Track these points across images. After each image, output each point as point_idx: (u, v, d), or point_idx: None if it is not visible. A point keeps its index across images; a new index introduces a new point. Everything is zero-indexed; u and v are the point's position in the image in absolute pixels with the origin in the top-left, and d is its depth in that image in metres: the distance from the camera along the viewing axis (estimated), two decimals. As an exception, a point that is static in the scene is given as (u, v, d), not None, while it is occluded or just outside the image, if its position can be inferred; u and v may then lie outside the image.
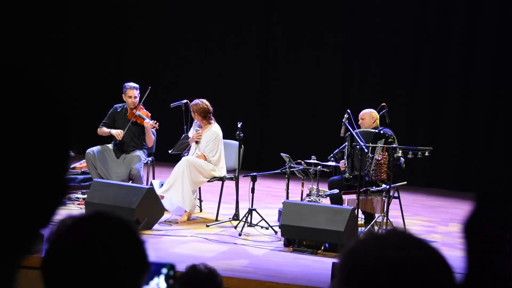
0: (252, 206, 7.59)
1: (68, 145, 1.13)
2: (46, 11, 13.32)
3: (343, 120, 7.64)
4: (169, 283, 1.69)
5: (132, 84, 8.59)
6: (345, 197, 7.50)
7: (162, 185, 8.29)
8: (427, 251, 1.24)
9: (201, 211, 8.43)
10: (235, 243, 6.97)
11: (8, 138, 1.05)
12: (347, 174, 7.63)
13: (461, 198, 11.05)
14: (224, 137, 8.32)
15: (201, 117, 8.15)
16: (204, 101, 8.17)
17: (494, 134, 11.95)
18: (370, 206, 7.42)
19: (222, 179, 8.13)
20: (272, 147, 12.05)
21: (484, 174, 11.82)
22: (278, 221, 7.44)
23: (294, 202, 7.32)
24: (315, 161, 7.74)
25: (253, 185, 7.58)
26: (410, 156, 7.50)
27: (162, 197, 7.81)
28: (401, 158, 7.71)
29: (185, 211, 7.82)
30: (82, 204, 7.94)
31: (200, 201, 8.50)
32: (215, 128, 8.17)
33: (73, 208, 7.93)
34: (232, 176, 8.18)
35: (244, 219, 7.48)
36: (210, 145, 8.10)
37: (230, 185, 8.24)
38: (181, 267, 2.66)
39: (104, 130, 8.60)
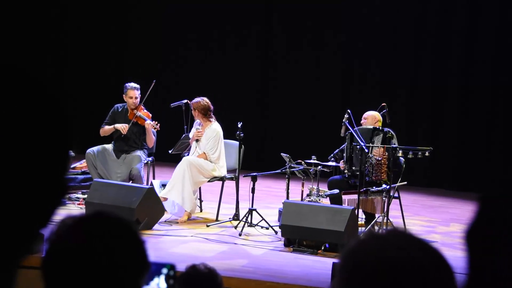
0: (252, 206, 7.59)
1: (68, 145, 1.13)
2: (46, 11, 13.32)
3: (343, 120, 7.64)
4: (169, 283, 1.69)
5: (133, 84, 8.58)
6: (345, 197, 7.50)
7: (162, 185, 8.29)
8: (427, 251, 1.24)
9: (201, 211, 8.43)
10: (235, 243, 6.97)
11: (8, 138, 1.05)
12: (346, 172, 7.64)
13: (461, 198, 11.06)
14: (224, 137, 8.32)
15: (202, 114, 8.15)
16: (205, 99, 8.18)
17: (494, 134, 11.95)
18: (371, 206, 7.42)
19: (222, 179, 8.13)
20: (272, 147, 12.05)
21: (484, 174, 11.82)
22: (278, 221, 7.44)
23: (294, 202, 7.32)
24: (315, 161, 7.74)
25: (254, 185, 7.58)
26: (410, 156, 7.51)
27: (166, 199, 7.81)
28: (401, 158, 7.72)
29: (185, 211, 7.82)
30: (82, 204, 7.94)
31: (201, 201, 8.51)
32: (215, 126, 8.18)
33: (73, 208, 7.93)
34: (233, 176, 8.19)
35: (244, 219, 7.48)
36: (211, 143, 8.10)
37: (230, 185, 8.24)
38: (181, 267, 2.66)
39: (106, 128, 8.59)
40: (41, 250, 1.24)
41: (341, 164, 7.77)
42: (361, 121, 8.01)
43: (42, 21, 13.25)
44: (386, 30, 12.40)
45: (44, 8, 13.29)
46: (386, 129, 7.72)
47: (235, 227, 7.52)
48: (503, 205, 1.39)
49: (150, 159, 8.72)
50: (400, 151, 7.47)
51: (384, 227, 7.17)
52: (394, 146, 7.44)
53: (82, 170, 8.95)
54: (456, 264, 1.33)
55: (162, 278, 1.69)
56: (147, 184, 8.37)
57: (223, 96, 12.40)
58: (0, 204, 1.05)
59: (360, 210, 7.42)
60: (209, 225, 7.70)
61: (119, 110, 8.68)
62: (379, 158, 7.37)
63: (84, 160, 8.58)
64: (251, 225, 7.55)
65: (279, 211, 7.56)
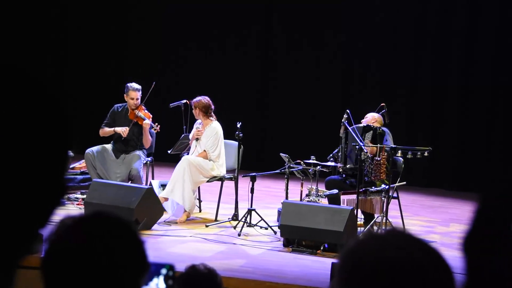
0: (251, 206, 7.59)
1: (68, 145, 1.13)
2: (46, 10, 13.32)
3: (342, 120, 7.65)
4: (168, 284, 1.69)
5: (134, 85, 8.56)
6: (343, 197, 7.50)
7: (161, 185, 8.29)
8: (427, 251, 1.24)
9: (200, 211, 8.43)
10: (235, 243, 6.97)
11: (8, 137, 1.05)
12: (342, 172, 7.66)
13: (461, 198, 11.05)
14: (224, 137, 8.32)
15: (203, 113, 8.16)
16: (206, 97, 8.20)
17: (494, 134, 11.95)
18: (370, 206, 7.42)
19: (221, 179, 8.13)
20: (272, 147, 12.05)
21: (484, 174, 11.82)
22: (278, 221, 7.44)
23: (293, 202, 7.31)
24: (315, 161, 7.74)
25: (253, 185, 7.57)
26: (409, 156, 7.51)
27: (167, 199, 7.82)
28: (400, 158, 7.72)
29: (184, 211, 7.82)
30: (81, 204, 7.94)
31: (200, 201, 8.50)
32: (215, 125, 8.19)
33: (72, 208, 7.93)
34: (232, 176, 8.19)
35: (243, 219, 7.48)
36: (211, 141, 8.10)
37: (229, 185, 8.24)
38: (180, 267, 2.66)
39: (106, 130, 8.59)
40: (40, 250, 1.24)
41: (339, 165, 7.77)
42: (361, 120, 8.02)
43: (42, 21, 13.24)
44: (386, 30, 12.40)
45: (44, 8, 13.28)
46: (377, 126, 7.72)
47: (234, 227, 7.51)
48: (502, 205, 1.39)
49: (149, 159, 8.72)
50: (399, 151, 7.47)
51: (383, 227, 7.17)
52: (393, 146, 7.43)
53: (81, 170, 8.95)
54: (455, 264, 1.33)
55: (161, 279, 1.69)
56: (146, 184, 8.37)
57: (223, 96, 12.40)
58: (-1, 204, 1.05)
59: (359, 210, 7.42)
60: (208, 225, 7.69)
61: (119, 110, 8.68)
62: (378, 158, 7.36)
63: (83, 160, 8.58)
64: (250, 225, 7.54)
65: (278, 211, 7.56)
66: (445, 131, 12.13)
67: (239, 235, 7.26)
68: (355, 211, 7.05)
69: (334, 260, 5.59)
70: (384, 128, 7.79)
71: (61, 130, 1.12)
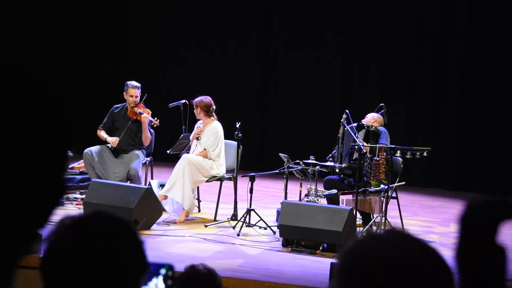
0: (250, 206, 7.59)
1: (67, 145, 1.13)
2: (46, 11, 13.31)
3: (342, 121, 7.65)
4: (167, 284, 1.69)
5: (134, 83, 8.60)
6: (342, 197, 7.50)
7: (160, 185, 8.29)
8: (426, 251, 1.24)
9: (199, 211, 8.43)
10: (234, 243, 6.96)
11: (7, 137, 1.05)
12: (339, 171, 7.65)
13: (460, 198, 11.05)
14: (224, 137, 8.32)
15: (204, 112, 8.18)
16: (208, 97, 8.24)
17: (494, 134, 11.95)
18: (368, 206, 7.42)
19: (220, 179, 8.14)
20: (271, 147, 12.05)
21: (484, 174, 11.83)
22: (277, 221, 7.44)
23: (292, 202, 7.31)
24: (314, 161, 7.74)
25: (252, 185, 7.57)
26: (408, 156, 7.51)
27: (165, 197, 7.82)
28: (399, 158, 7.72)
29: (183, 210, 7.82)
30: (80, 204, 7.94)
31: (199, 201, 8.50)
32: (216, 124, 8.20)
33: (71, 208, 7.93)
34: (231, 176, 8.19)
35: (242, 219, 7.48)
36: (211, 139, 8.11)
37: (228, 185, 8.24)
38: (179, 267, 2.66)
39: (101, 134, 8.62)
40: (39, 250, 1.24)
41: (338, 165, 7.76)
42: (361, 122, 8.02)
43: (42, 21, 13.24)
44: (386, 30, 12.40)
45: (44, 8, 13.28)
46: (370, 125, 7.72)
47: (233, 227, 7.51)
48: (487, 209, 1.39)
49: (148, 159, 8.72)
50: (398, 151, 7.47)
51: (382, 227, 7.17)
52: (391, 146, 7.43)
53: (80, 170, 8.94)
54: (454, 264, 1.33)
55: (160, 279, 1.69)
56: (145, 184, 8.36)
57: (223, 96, 12.39)
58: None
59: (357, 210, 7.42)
60: (207, 225, 7.69)
61: (117, 110, 8.69)
62: (377, 158, 7.36)
63: (82, 160, 8.57)
64: (249, 225, 7.54)
65: (277, 211, 7.56)
66: (445, 131, 12.13)
67: (238, 235, 7.26)
68: (354, 211, 7.05)
69: (333, 260, 5.60)
70: (380, 128, 7.79)
71: (60, 130, 1.12)
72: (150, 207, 7.38)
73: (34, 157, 1.08)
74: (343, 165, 7.59)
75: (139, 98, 8.56)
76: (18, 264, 1.12)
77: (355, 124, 7.68)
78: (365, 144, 7.42)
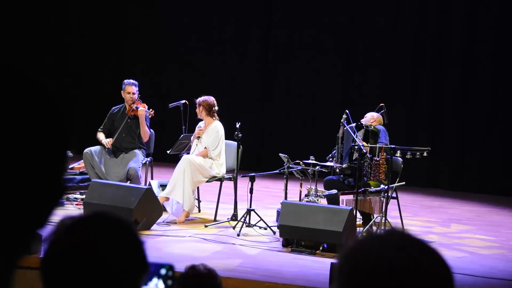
0: (250, 207, 7.59)
1: (67, 145, 1.13)
2: (46, 10, 13.32)
3: (342, 121, 7.65)
4: (167, 284, 1.69)
5: (130, 80, 8.65)
6: (342, 197, 7.50)
7: (160, 185, 8.29)
8: (426, 251, 1.23)
9: (199, 211, 8.43)
10: (234, 244, 6.96)
11: (6, 137, 1.05)
12: (339, 172, 7.65)
13: (460, 198, 11.06)
14: (224, 137, 8.33)
15: (206, 111, 8.19)
16: (212, 97, 8.26)
17: (493, 134, 11.96)
18: (368, 207, 7.42)
19: (220, 179, 8.14)
20: (271, 147, 12.05)
21: (483, 174, 11.83)
22: (277, 221, 7.44)
23: (292, 202, 7.31)
24: (314, 161, 7.74)
25: (252, 185, 7.57)
26: (408, 156, 7.51)
27: (167, 199, 7.82)
28: (399, 158, 7.72)
29: (184, 210, 7.82)
30: (80, 204, 7.93)
31: (199, 201, 8.50)
32: (217, 124, 8.21)
33: (72, 209, 7.93)
34: (231, 176, 8.19)
35: (242, 220, 7.48)
36: (212, 139, 8.12)
37: (228, 185, 8.24)
38: (179, 267, 2.66)
39: (99, 136, 8.64)
40: (39, 250, 1.24)
41: (338, 165, 7.76)
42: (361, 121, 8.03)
43: (42, 21, 13.24)
44: (387, 30, 12.40)
45: (44, 7, 13.29)
46: (380, 128, 7.73)
47: (233, 228, 7.51)
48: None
49: (148, 159, 8.72)
50: (398, 151, 7.47)
51: (382, 227, 7.16)
52: (392, 146, 7.44)
53: (80, 170, 8.95)
54: (454, 264, 1.33)
55: (160, 279, 1.69)
56: (146, 184, 8.36)
57: (223, 96, 12.41)
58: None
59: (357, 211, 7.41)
60: (207, 226, 7.69)
61: (116, 111, 8.71)
62: (377, 159, 7.36)
63: (82, 161, 8.58)
64: (249, 225, 7.54)
65: (277, 211, 7.56)
66: (444, 131, 12.14)
67: (238, 235, 7.26)
68: (354, 211, 7.05)
69: (333, 261, 5.59)
70: (379, 126, 7.79)
71: (60, 130, 1.12)
72: (150, 207, 7.37)
73: (33, 157, 1.08)
74: (344, 165, 7.59)
75: (136, 95, 8.58)
76: (18, 264, 1.12)
77: (354, 124, 7.68)
78: (365, 144, 7.42)
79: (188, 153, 8.33)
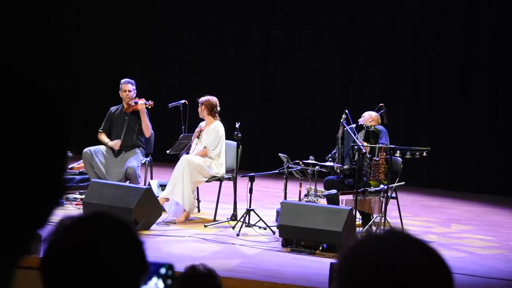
0: (250, 207, 7.59)
1: (66, 145, 1.13)
2: (46, 10, 13.32)
3: (341, 121, 7.65)
4: (167, 283, 1.69)
5: (127, 79, 8.66)
6: (342, 197, 7.50)
7: (160, 185, 8.29)
8: (426, 251, 1.24)
9: (199, 211, 8.43)
10: (233, 244, 6.96)
11: (6, 137, 1.05)
12: (339, 172, 7.65)
13: (459, 198, 11.06)
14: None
15: (208, 110, 8.20)
16: (215, 97, 8.27)
17: (493, 134, 11.96)
18: (368, 207, 7.42)
19: (220, 179, 8.14)
20: (271, 147, 12.05)
21: (483, 174, 11.83)
22: (276, 221, 7.44)
23: (292, 202, 7.31)
24: (313, 161, 7.74)
25: (251, 185, 7.58)
26: (408, 156, 7.51)
27: (167, 200, 7.82)
28: (399, 158, 7.73)
29: (184, 210, 7.82)
30: (80, 204, 7.93)
31: (198, 201, 8.50)
32: (217, 123, 8.22)
33: (71, 209, 7.93)
34: (230, 176, 8.19)
35: (242, 220, 7.48)
36: (212, 138, 8.12)
37: (228, 185, 8.24)
38: (179, 267, 2.66)
39: (102, 138, 8.62)
40: (39, 250, 1.24)
41: (338, 165, 7.76)
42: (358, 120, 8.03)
43: (41, 21, 13.25)
44: (387, 30, 12.41)
45: (44, 8, 13.29)
46: (380, 128, 7.73)
47: (233, 228, 7.51)
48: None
49: (147, 159, 8.72)
50: (398, 151, 7.47)
51: (382, 228, 7.16)
52: (391, 146, 7.44)
53: (80, 170, 8.94)
54: (454, 264, 1.33)
55: (160, 278, 1.69)
56: (145, 184, 8.36)
57: (223, 96, 12.39)
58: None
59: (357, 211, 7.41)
60: (207, 225, 7.69)
61: (115, 111, 8.71)
62: (377, 159, 7.36)
63: (82, 161, 8.57)
64: (249, 225, 7.54)
65: (277, 211, 7.56)
66: (444, 131, 12.14)
67: (237, 235, 7.26)
68: (354, 211, 7.05)
69: (333, 260, 5.60)
70: (379, 127, 7.80)
71: (60, 130, 1.12)
72: (149, 207, 7.37)
73: (33, 157, 1.08)
74: (345, 166, 7.59)
75: (133, 93, 8.59)
76: (18, 264, 1.12)
77: (355, 125, 7.69)
78: (364, 144, 7.42)
79: (188, 153, 8.33)
